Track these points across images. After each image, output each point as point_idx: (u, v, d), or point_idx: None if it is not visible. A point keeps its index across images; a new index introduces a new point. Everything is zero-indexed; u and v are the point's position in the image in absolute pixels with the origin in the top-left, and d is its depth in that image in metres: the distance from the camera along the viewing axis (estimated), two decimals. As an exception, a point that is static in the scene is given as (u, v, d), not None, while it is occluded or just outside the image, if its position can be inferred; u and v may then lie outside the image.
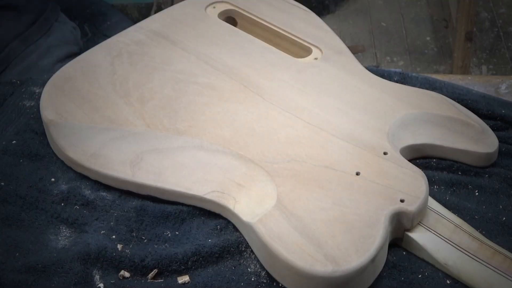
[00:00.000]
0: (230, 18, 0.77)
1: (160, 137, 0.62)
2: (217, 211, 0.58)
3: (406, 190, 0.56)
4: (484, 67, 1.96)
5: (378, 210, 0.54)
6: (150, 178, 0.59)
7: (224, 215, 0.58)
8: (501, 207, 0.61)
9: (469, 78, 0.79)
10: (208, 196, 0.58)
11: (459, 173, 0.64)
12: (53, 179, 0.63)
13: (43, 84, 0.71)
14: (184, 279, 0.54)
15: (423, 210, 0.56)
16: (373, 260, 0.51)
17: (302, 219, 0.54)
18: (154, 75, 0.68)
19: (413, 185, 0.56)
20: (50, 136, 0.64)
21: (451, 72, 1.82)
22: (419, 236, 0.55)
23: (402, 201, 0.55)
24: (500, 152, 0.65)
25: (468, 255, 0.54)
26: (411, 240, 0.56)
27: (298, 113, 0.64)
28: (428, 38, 2.09)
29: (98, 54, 0.71)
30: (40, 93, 0.71)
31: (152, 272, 0.55)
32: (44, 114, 0.64)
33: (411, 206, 0.55)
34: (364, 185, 0.56)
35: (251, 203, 0.56)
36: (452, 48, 1.83)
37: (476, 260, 0.54)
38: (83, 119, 0.63)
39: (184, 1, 0.79)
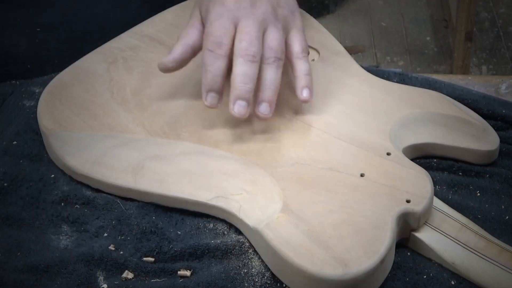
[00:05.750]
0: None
1: (161, 143, 0.64)
2: (222, 216, 0.60)
3: (411, 190, 0.57)
4: (484, 67, 1.99)
5: (384, 211, 0.56)
6: (153, 185, 0.61)
7: (229, 220, 0.59)
8: (503, 207, 0.62)
9: (469, 78, 0.79)
10: (212, 202, 0.59)
11: (460, 173, 0.65)
12: (53, 180, 0.64)
13: (42, 84, 0.72)
14: (185, 272, 0.56)
15: (429, 210, 0.58)
16: (382, 262, 0.53)
17: (309, 222, 0.55)
18: (151, 80, 0.70)
19: (418, 185, 0.58)
20: (49, 145, 0.66)
21: (451, 72, 1.84)
22: (425, 236, 0.57)
23: (408, 201, 0.56)
24: (500, 152, 0.66)
25: (476, 254, 0.56)
26: (418, 240, 0.57)
27: (299, 116, 0.66)
28: (428, 38, 2.12)
29: (93, 60, 0.73)
30: (39, 93, 0.72)
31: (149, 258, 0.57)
32: (42, 123, 0.66)
33: (417, 206, 0.56)
34: (369, 187, 0.58)
35: (256, 208, 0.58)
36: (452, 48, 1.86)
37: (483, 259, 0.55)
38: (82, 127, 0.65)
39: (177, 5, 0.80)
